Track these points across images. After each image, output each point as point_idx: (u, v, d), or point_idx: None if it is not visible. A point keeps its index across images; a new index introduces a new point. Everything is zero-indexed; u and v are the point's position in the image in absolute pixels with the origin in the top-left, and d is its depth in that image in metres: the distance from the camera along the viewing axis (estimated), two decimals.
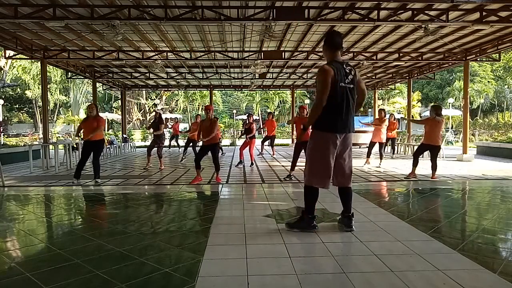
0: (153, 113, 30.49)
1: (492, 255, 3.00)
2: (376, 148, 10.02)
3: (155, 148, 9.49)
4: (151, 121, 9.84)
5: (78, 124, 7.36)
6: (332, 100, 3.36)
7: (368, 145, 10.40)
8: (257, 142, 15.81)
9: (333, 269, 2.63)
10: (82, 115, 28.80)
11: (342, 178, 3.58)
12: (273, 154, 12.93)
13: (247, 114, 11.05)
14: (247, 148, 9.91)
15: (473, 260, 2.79)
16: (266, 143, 13.04)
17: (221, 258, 2.89)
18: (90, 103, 7.70)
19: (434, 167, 7.15)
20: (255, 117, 38.57)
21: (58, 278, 2.51)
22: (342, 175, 3.57)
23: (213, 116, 7.24)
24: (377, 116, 10.22)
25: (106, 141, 13.51)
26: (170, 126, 16.55)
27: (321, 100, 3.35)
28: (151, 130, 9.62)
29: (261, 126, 10.09)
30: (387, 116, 10.39)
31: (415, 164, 7.28)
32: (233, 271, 2.60)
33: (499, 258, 2.98)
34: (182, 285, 2.40)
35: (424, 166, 8.26)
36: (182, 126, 18.43)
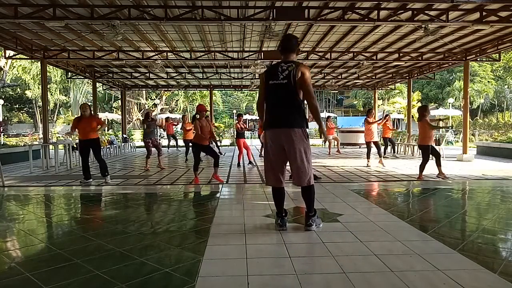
0: (154, 112, 30.51)
1: (492, 255, 3.00)
2: (375, 148, 10.05)
3: (154, 150, 9.44)
4: (146, 118, 9.66)
5: (72, 123, 7.34)
6: (266, 99, 3.63)
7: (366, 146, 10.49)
8: (257, 142, 15.83)
9: (333, 269, 2.63)
10: None
11: (294, 178, 3.58)
12: None
13: (237, 115, 11.05)
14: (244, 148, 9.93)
15: (473, 260, 2.79)
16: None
17: (221, 258, 2.88)
18: (83, 103, 7.71)
19: (421, 167, 7.25)
20: (255, 117, 38.69)
21: (58, 278, 2.51)
22: (294, 174, 3.57)
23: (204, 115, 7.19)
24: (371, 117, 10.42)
25: (106, 141, 13.53)
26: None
27: (258, 99, 3.81)
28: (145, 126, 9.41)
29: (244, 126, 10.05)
30: (378, 115, 10.57)
31: (439, 164, 7.34)
32: (233, 271, 2.60)
33: (499, 258, 2.98)
34: (182, 285, 2.40)
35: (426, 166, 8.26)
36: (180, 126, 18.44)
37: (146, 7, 7.79)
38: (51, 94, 32.20)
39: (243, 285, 2.38)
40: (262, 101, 3.71)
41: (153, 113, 29.87)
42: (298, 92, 3.45)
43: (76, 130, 7.17)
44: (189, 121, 12.34)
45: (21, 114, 39.80)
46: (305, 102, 3.56)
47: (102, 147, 8.32)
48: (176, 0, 7.67)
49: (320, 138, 3.75)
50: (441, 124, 7.79)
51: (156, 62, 11.92)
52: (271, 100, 3.57)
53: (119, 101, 24.48)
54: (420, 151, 7.52)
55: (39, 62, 16.44)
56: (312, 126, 21.30)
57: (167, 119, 17.28)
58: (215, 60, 12.77)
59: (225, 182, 7.12)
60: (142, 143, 11.54)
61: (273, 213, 4.24)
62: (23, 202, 5.55)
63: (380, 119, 11.03)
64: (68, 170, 9.35)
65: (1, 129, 19.90)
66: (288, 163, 3.61)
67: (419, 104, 27.90)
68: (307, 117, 3.58)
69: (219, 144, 14.97)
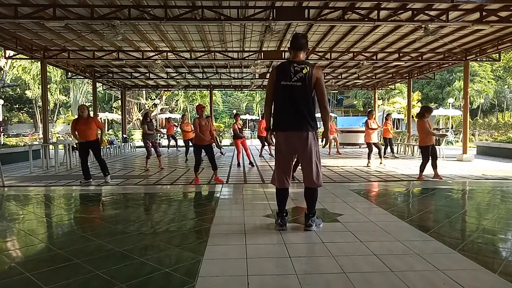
0: (154, 112, 30.51)
1: (492, 255, 3.00)
2: (375, 148, 10.07)
3: (153, 150, 9.44)
4: (145, 118, 9.61)
5: (70, 125, 7.32)
6: (276, 99, 3.55)
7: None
8: (257, 142, 15.84)
9: (333, 269, 2.63)
10: None
11: (305, 179, 3.58)
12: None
13: (234, 115, 11.11)
14: (243, 148, 9.97)
15: (473, 260, 2.79)
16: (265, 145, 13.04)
17: (221, 258, 2.89)
18: (81, 104, 7.68)
19: (421, 168, 7.26)
20: (255, 117, 38.70)
21: (58, 278, 2.51)
22: (305, 175, 3.58)
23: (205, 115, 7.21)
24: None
25: (106, 141, 13.53)
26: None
27: (266, 97, 3.68)
28: (145, 128, 9.31)
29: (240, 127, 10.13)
30: (378, 115, 10.63)
31: (434, 166, 7.31)
32: (233, 271, 2.60)
33: (499, 258, 2.98)
34: (182, 285, 2.40)
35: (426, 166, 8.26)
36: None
37: (146, 7, 7.79)
38: (51, 94, 32.17)
39: (243, 285, 2.38)
40: (270, 99, 3.63)
41: (153, 113, 29.89)
42: (311, 94, 3.45)
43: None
44: (188, 121, 12.40)
45: (21, 114, 39.79)
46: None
47: (102, 147, 8.31)
48: (176, 0, 7.67)
49: (322, 141, 3.72)
50: (437, 132, 7.80)
51: (156, 62, 11.92)
52: (283, 102, 3.50)
53: (119, 101, 24.46)
54: (420, 151, 7.51)
55: (39, 62, 16.43)
56: None
57: (168, 119, 17.42)
58: (215, 60, 12.76)
59: (225, 182, 7.12)
60: (142, 143, 11.55)
61: (273, 213, 4.25)
62: (23, 202, 5.55)
63: (383, 122, 11.09)
64: (68, 170, 9.35)
65: (1, 129, 19.89)
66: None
67: (419, 104, 27.99)
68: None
69: (220, 144, 15.01)
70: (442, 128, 7.54)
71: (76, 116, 7.19)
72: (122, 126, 20.00)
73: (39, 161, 10.60)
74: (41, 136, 21.18)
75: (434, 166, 7.23)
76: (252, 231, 3.60)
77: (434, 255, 2.89)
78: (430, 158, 7.24)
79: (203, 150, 7.05)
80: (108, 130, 28.86)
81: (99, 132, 7.27)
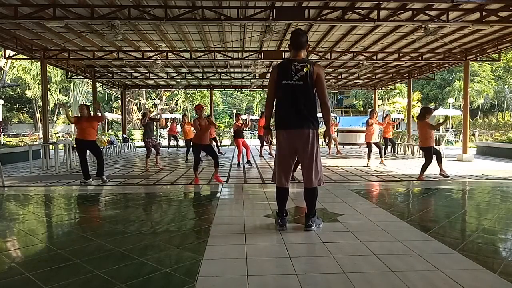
0: (154, 112, 30.49)
1: (492, 255, 3.00)
2: (376, 148, 10.07)
3: (153, 150, 9.42)
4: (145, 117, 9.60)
5: (73, 118, 7.34)
6: (278, 99, 3.56)
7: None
8: (257, 142, 15.83)
9: (333, 269, 2.63)
10: None
11: (305, 178, 3.57)
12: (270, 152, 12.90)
13: (235, 114, 11.13)
14: (243, 147, 9.96)
15: (473, 260, 2.78)
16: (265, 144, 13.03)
17: (221, 258, 2.88)
18: (80, 104, 7.71)
19: (423, 168, 7.26)
20: (255, 117, 38.69)
21: (58, 278, 2.51)
22: (305, 174, 3.57)
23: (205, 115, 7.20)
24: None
25: (106, 141, 13.52)
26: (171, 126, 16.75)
27: (267, 97, 3.69)
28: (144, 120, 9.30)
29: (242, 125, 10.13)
30: (378, 115, 10.66)
31: (440, 161, 7.38)
32: (233, 271, 2.60)
33: (499, 258, 2.98)
34: (182, 285, 2.40)
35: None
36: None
37: (146, 7, 7.79)
38: (51, 94, 32.18)
39: (243, 285, 2.38)
40: (272, 99, 3.61)
41: (153, 113, 29.87)
42: (313, 93, 3.45)
43: (75, 128, 7.20)
44: (189, 121, 12.41)
45: (21, 114, 39.79)
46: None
47: (102, 147, 8.31)
48: (176, 0, 7.67)
49: (325, 140, 3.72)
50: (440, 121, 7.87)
51: (156, 62, 11.91)
52: (285, 101, 3.49)
53: (119, 101, 24.46)
54: (423, 152, 7.52)
55: (39, 62, 16.43)
56: None
57: (174, 119, 17.86)
58: (215, 60, 12.76)
59: (225, 182, 7.12)
60: (142, 143, 11.57)
61: (273, 213, 4.24)
62: (23, 202, 5.55)
63: (382, 121, 11.08)
64: (68, 170, 9.35)
65: (1, 129, 19.90)
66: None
67: (419, 104, 27.97)
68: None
69: (219, 144, 15.01)
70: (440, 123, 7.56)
71: (78, 115, 7.22)
72: (122, 126, 20.01)
73: (39, 161, 10.60)
74: (41, 136, 21.18)
75: (439, 162, 7.30)
76: (252, 231, 3.60)
77: (434, 255, 2.89)
78: (434, 158, 7.25)
79: (202, 150, 7.05)
80: (108, 130, 28.88)
81: (99, 114, 7.50)
